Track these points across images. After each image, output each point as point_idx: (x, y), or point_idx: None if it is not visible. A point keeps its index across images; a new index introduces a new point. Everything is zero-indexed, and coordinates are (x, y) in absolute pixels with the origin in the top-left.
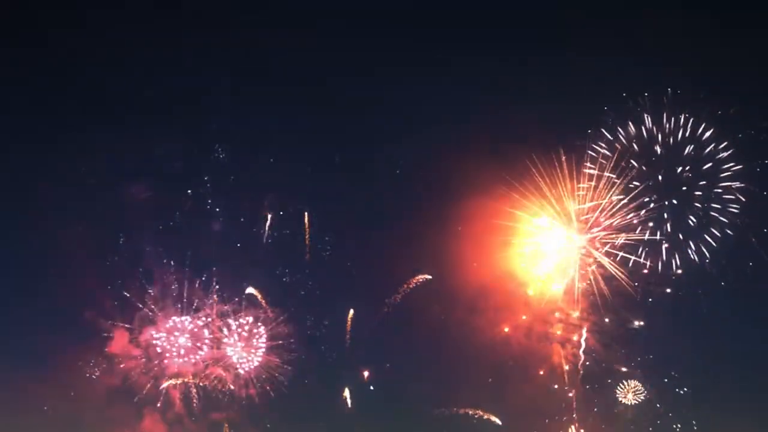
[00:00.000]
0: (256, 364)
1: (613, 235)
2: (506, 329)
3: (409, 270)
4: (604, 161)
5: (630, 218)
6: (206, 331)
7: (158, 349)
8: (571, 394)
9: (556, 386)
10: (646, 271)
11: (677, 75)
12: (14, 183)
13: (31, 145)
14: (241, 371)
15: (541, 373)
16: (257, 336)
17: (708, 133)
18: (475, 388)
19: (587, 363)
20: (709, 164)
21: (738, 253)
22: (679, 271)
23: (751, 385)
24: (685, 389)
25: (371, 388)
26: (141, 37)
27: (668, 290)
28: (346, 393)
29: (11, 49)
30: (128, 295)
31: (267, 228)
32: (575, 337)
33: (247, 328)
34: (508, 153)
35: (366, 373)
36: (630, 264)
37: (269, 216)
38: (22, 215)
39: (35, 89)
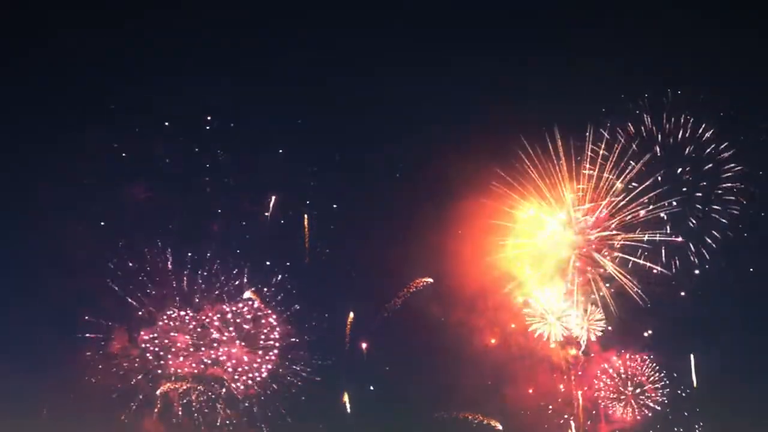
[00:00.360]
0: (260, 372)
1: (612, 236)
2: (504, 332)
3: (409, 272)
4: (603, 162)
5: (629, 220)
6: (213, 332)
7: (149, 355)
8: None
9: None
10: (654, 271)
11: (677, 75)
12: (12, 182)
13: (29, 145)
14: (241, 386)
15: (534, 389)
16: (258, 339)
17: (708, 134)
18: (475, 391)
19: (587, 365)
20: (710, 165)
21: (738, 255)
22: (696, 272)
23: (753, 386)
24: (687, 391)
25: (371, 388)
26: (141, 36)
27: (670, 292)
28: (345, 398)
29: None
30: (127, 296)
31: (268, 216)
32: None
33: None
34: (507, 153)
35: (365, 346)
36: (629, 265)
37: (268, 216)
38: (20, 215)
39: (34, 89)
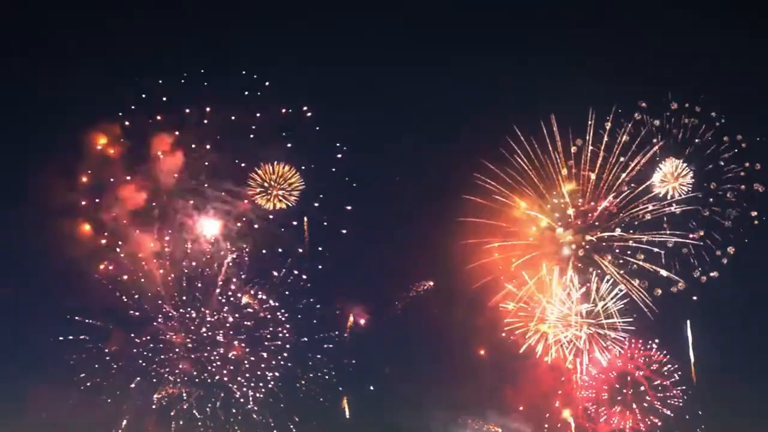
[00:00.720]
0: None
1: (612, 237)
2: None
3: (409, 275)
4: (603, 163)
5: (630, 221)
6: (212, 334)
7: (141, 361)
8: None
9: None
10: (665, 274)
11: (677, 75)
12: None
13: (22, 144)
14: (240, 395)
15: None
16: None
17: (708, 135)
18: (475, 395)
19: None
20: (710, 166)
21: (740, 258)
22: (713, 274)
23: (753, 386)
24: (690, 392)
25: (371, 388)
26: (137, 34)
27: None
28: (345, 404)
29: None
30: (123, 297)
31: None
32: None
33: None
34: (506, 154)
35: (363, 321)
36: (631, 267)
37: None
38: (18, 215)
39: (30, 87)
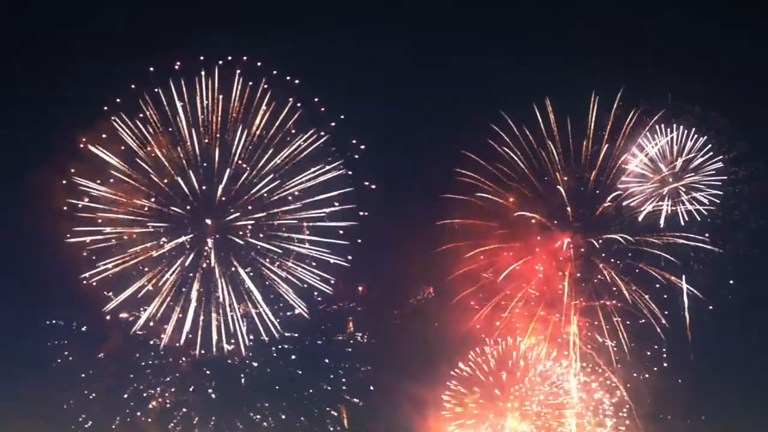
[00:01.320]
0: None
1: (608, 239)
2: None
3: (411, 278)
4: (603, 163)
5: (629, 222)
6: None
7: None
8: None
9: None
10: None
11: (677, 75)
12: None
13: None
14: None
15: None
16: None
17: (708, 135)
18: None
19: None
20: (711, 167)
21: (741, 258)
22: (713, 275)
23: (756, 388)
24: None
25: (371, 388)
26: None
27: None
28: (344, 413)
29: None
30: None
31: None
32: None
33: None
34: (504, 154)
35: (360, 289)
36: (630, 269)
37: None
38: (18, 215)
39: (28, 87)
